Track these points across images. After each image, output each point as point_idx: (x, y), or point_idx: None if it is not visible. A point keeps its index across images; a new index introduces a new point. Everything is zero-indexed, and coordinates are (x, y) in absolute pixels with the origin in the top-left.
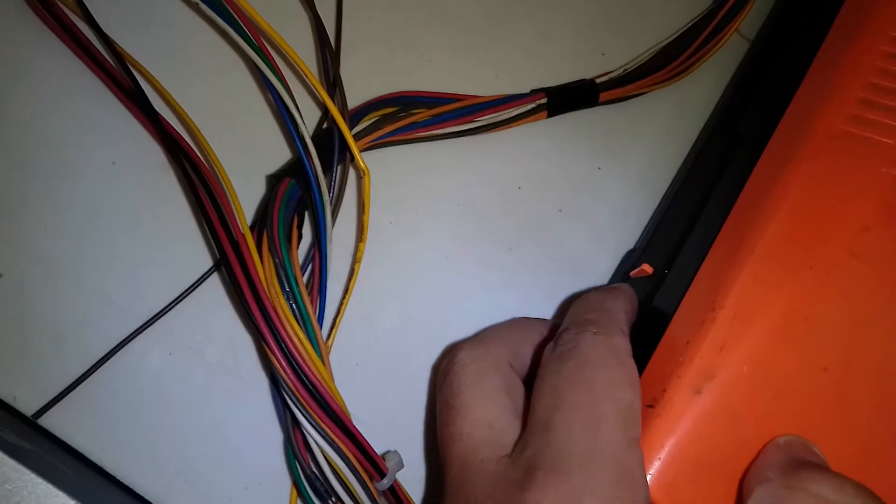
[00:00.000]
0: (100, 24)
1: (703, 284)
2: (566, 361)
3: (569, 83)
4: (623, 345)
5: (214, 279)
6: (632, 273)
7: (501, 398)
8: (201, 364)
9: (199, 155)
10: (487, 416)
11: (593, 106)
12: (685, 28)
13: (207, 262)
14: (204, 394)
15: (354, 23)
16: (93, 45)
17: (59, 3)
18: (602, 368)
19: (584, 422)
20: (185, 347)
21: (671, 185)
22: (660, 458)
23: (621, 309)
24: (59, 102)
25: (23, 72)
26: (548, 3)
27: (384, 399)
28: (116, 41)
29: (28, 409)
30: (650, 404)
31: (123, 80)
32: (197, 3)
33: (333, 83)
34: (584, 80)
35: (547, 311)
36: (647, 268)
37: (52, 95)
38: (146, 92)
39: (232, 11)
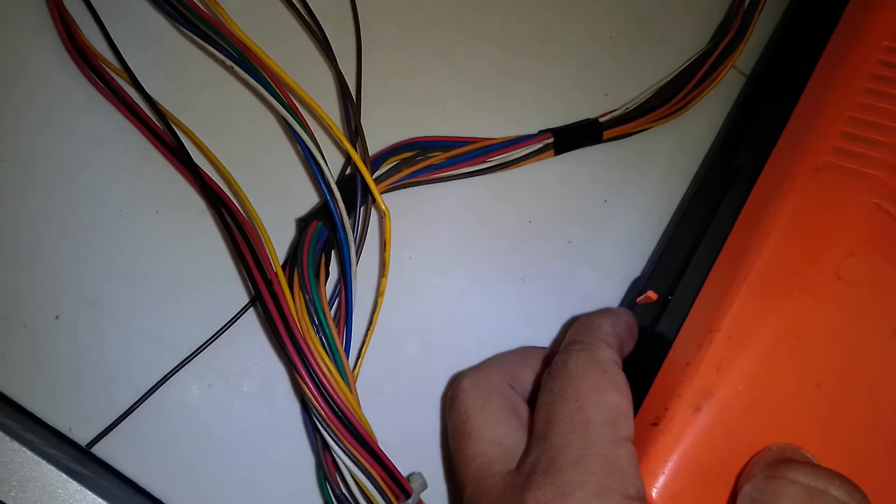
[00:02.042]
0: (144, 86)
1: (702, 308)
2: (555, 379)
3: (574, 123)
4: (606, 355)
5: (250, 315)
6: (638, 300)
7: (507, 417)
8: (238, 395)
9: (234, 202)
10: (497, 436)
11: (598, 143)
12: (683, 66)
13: (243, 300)
14: (241, 423)
15: (374, 75)
16: (138, 106)
17: (107, 69)
18: (585, 378)
19: (574, 427)
20: (223, 379)
21: (674, 214)
22: (664, 473)
23: (607, 325)
24: (107, 160)
25: (73, 133)
26: (551, 51)
27: (408, 423)
28: (159, 101)
29: (82, 439)
30: (654, 422)
31: (166, 137)
32: (231, 66)
33: (355, 132)
34: (588, 119)
35: (559, 339)
36: (651, 294)
37: (102, 154)
38: (186, 146)
39: (262, 71)
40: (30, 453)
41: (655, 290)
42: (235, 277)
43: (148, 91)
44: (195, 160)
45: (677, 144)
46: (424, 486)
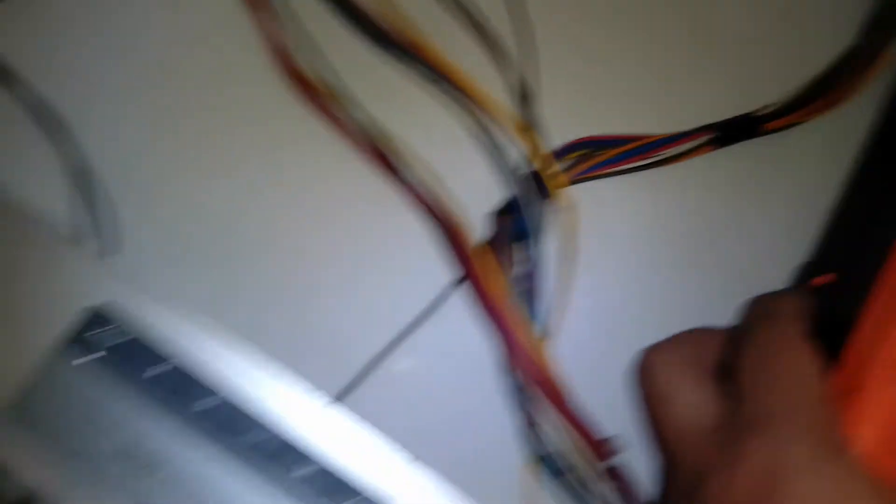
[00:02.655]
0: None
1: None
2: (752, 349)
3: (732, 118)
4: (797, 328)
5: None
6: (814, 281)
7: (700, 384)
8: (451, 368)
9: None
10: (694, 400)
11: (757, 137)
12: (841, 56)
13: (448, 282)
14: (454, 393)
15: (545, 74)
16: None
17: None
18: (782, 351)
19: (779, 389)
20: (434, 354)
21: (838, 199)
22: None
23: (792, 300)
24: (317, 165)
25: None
26: (707, 47)
27: (603, 390)
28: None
29: None
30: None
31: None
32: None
33: (535, 129)
34: (746, 113)
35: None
36: (826, 276)
37: (312, 160)
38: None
39: (443, 71)
40: None
41: (830, 271)
42: (441, 265)
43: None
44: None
45: (837, 133)
46: (623, 447)
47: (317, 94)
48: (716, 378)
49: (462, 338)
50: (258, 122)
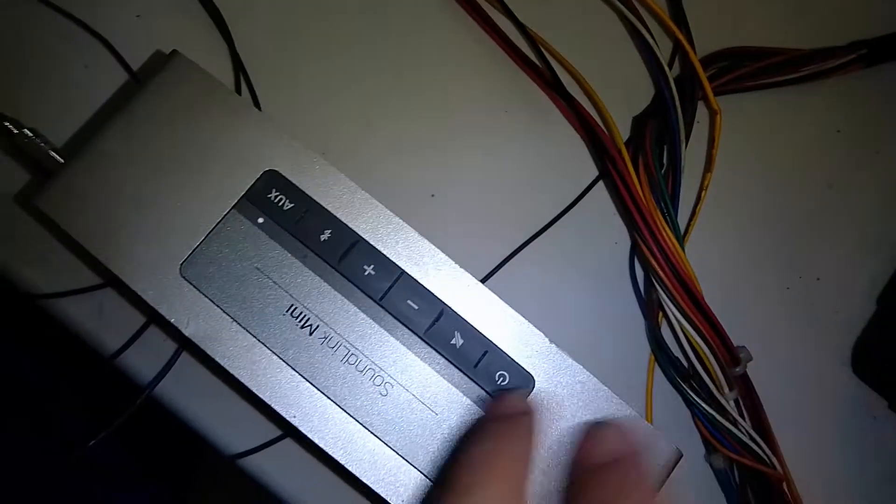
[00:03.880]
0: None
1: None
2: None
3: (886, 34)
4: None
5: (588, 200)
6: None
7: None
8: (576, 269)
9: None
10: None
11: None
12: None
13: (585, 183)
14: (577, 294)
15: None
16: (493, 23)
17: None
18: None
19: None
20: (563, 256)
21: None
22: None
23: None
24: (466, 62)
25: (433, 35)
26: None
27: (734, 301)
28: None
29: None
30: None
31: (514, 45)
32: None
33: (687, 36)
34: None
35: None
36: None
37: (458, 57)
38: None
39: None
40: None
41: None
42: (577, 166)
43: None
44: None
45: None
46: (750, 357)
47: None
48: None
49: (598, 235)
50: (415, 30)
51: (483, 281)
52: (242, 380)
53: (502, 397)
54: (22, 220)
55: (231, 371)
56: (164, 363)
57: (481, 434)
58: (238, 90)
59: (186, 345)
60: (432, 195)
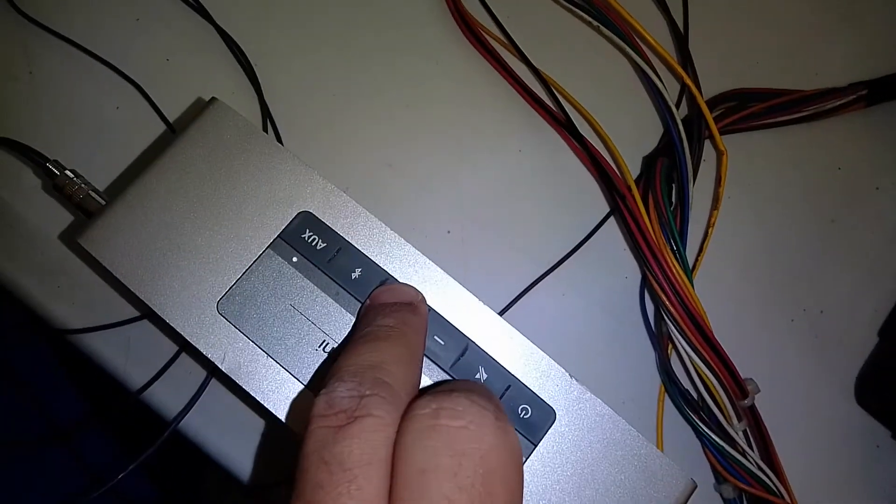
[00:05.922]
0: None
1: None
2: None
3: (885, 75)
4: None
5: (596, 240)
6: None
7: None
8: (587, 302)
9: (593, 144)
10: None
11: None
12: None
13: (595, 222)
14: (589, 327)
15: (695, 30)
16: (507, 67)
17: (484, 34)
18: None
19: None
20: (574, 290)
21: None
22: None
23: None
24: (481, 104)
25: (449, 78)
26: (858, 7)
27: (741, 333)
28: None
29: None
30: None
31: (528, 87)
32: (598, 27)
33: (693, 79)
34: None
35: (871, 275)
36: None
37: (474, 99)
38: (540, 91)
39: (616, 21)
40: None
41: None
42: (589, 203)
43: (519, 45)
44: (551, 102)
45: None
46: (758, 389)
47: (482, 37)
48: None
49: (609, 269)
50: (434, 74)
51: (499, 315)
52: (277, 413)
53: (392, 286)
54: (58, 257)
55: (265, 405)
56: (189, 396)
57: (389, 310)
58: (265, 131)
59: (215, 373)
60: (448, 231)
